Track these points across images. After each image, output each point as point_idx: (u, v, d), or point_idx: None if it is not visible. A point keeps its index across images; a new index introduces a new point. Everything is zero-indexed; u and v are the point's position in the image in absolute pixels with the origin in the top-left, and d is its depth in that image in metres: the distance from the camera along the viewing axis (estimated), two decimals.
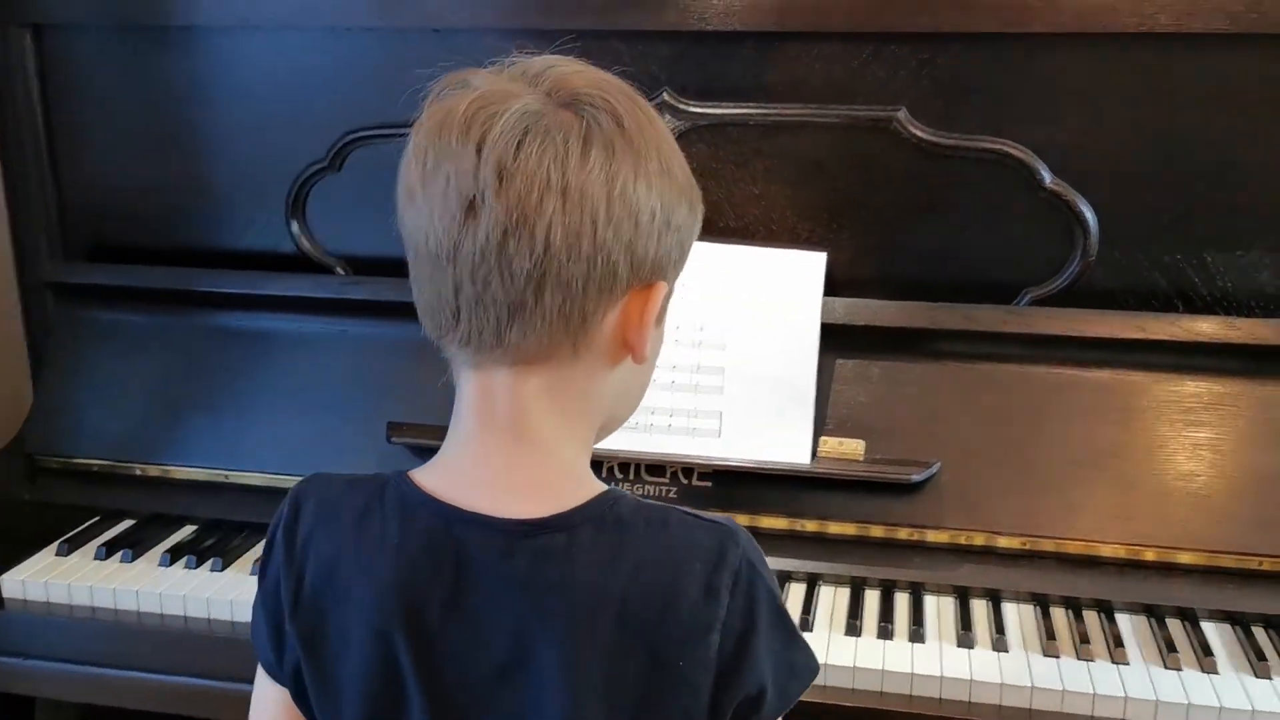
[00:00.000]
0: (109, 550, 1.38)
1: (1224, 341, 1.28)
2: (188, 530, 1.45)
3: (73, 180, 1.53)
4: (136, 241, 1.54)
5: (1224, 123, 1.28)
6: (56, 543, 1.40)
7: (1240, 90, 1.27)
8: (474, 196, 0.75)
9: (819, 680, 1.01)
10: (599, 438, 0.89)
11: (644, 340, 0.82)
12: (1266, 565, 1.24)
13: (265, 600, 0.88)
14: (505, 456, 0.82)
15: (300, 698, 0.88)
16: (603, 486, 0.84)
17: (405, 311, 1.41)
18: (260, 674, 0.91)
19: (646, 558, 0.80)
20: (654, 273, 0.80)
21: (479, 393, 0.82)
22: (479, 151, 0.75)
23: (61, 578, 1.34)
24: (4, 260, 1.59)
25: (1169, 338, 1.29)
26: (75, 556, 1.39)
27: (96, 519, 1.47)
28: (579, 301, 0.77)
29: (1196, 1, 1.22)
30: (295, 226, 1.49)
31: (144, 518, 1.47)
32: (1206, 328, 1.29)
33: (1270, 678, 1.14)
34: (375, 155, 1.45)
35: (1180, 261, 1.33)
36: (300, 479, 0.89)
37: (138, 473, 1.48)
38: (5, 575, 1.35)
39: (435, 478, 0.84)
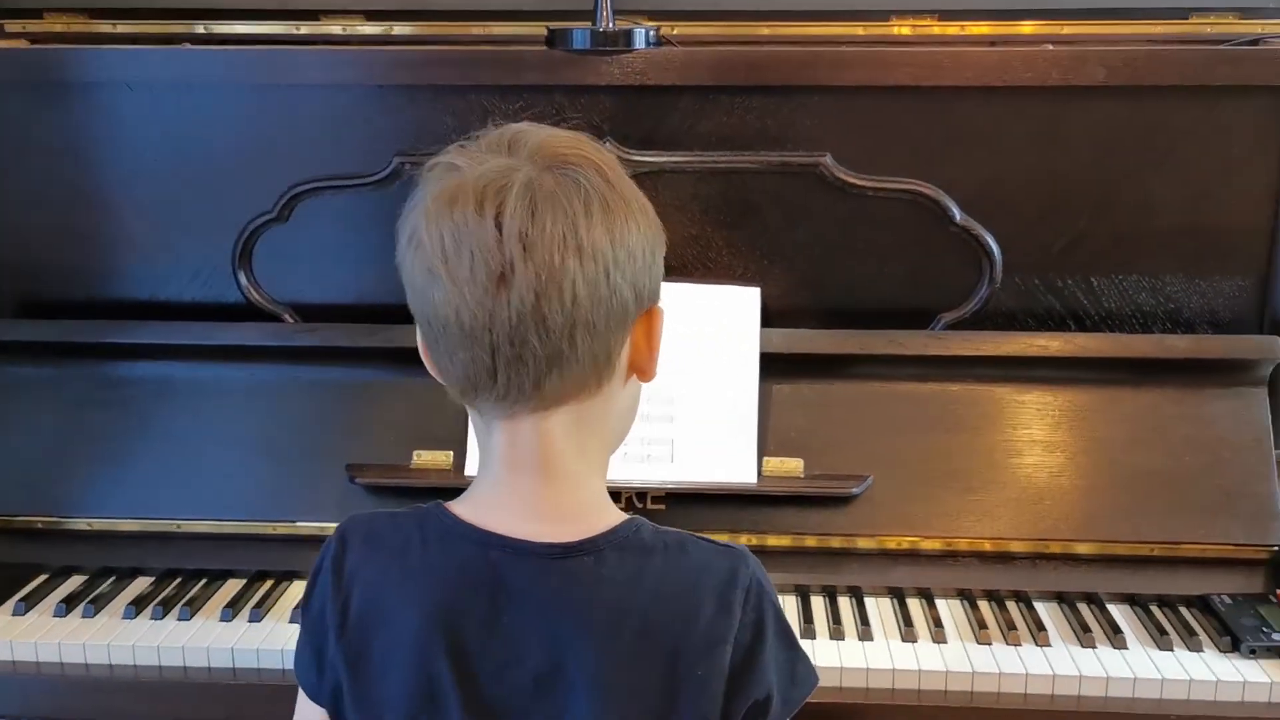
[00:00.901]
0: (69, 606, 1.38)
1: (1111, 356, 1.45)
2: (145, 582, 1.44)
3: (9, 235, 1.52)
4: (76, 297, 1.55)
5: (1105, 163, 1.45)
6: (12, 602, 1.39)
7: (1118, 135, 1.44)
8: (503, 268, 0.83)
9: None
10: None
11: (655, 360, 0.94)
12: (1157, 551, 1.40)
13: (309, 626, 0.95)
14: (534, 492, 0.92)
15: (337, 717, 0.94)
16: (624, 515, 0.94)
17: (356, 357, 1.50)
18: (301, 697, 0.99)
19: (667, 578, 0.90)
20: (650, 299, 0.92)
21: (507, 439, 0.91)
22: (499, 226, 0.84)
23: (25, 636, 1.33)
24: None
25: (1065, 354, 1.45)
26: (34, 615, 1.38)
27: (45, 577, 1.45)
28: (604, 340, 0.88)
29: (1080, 58, 1.39)
30: (243, 277, 1.52)
31: (94, 572, 1.47)
32: (1096, 344, 1.46)
33: (1172, 650, 1.30)
34: (322, 205, 1.50)
35: (1071, 286, 1.50)
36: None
37: (84, 528, 1.48)
38: None
39: (470, 508, 0.93)
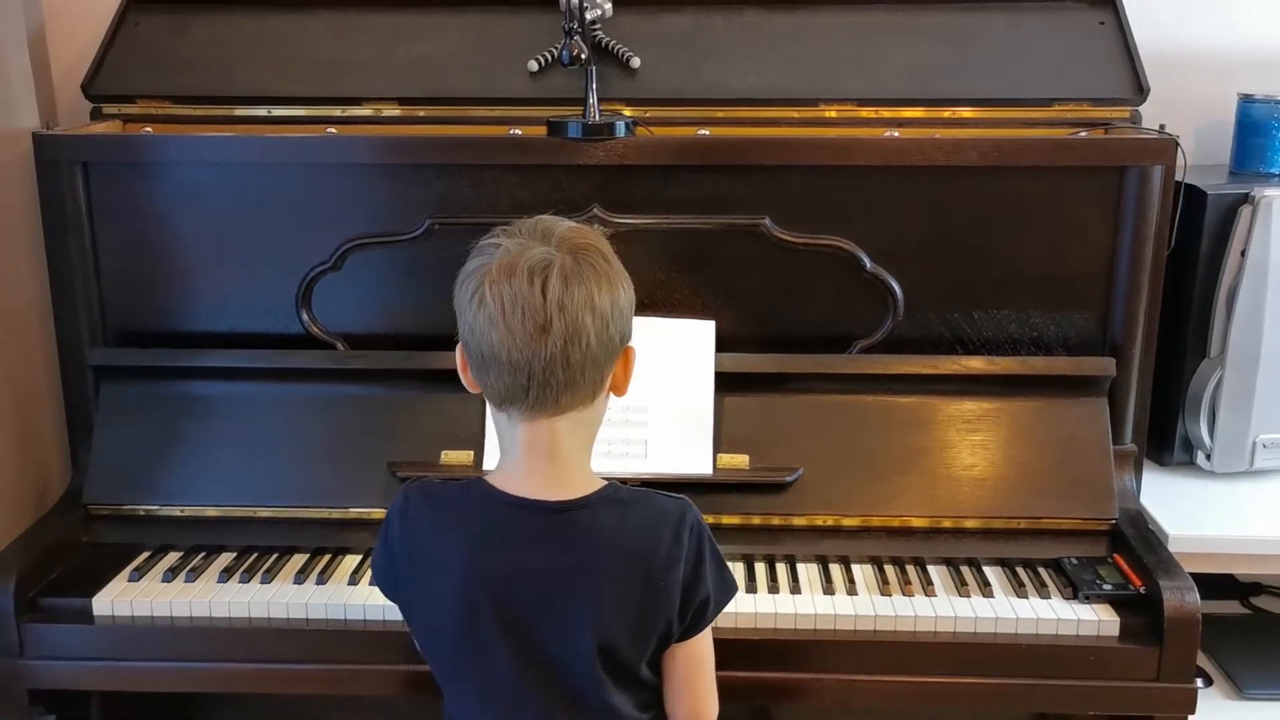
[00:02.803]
0: (173, 574, 1.73)
1: (988, 373, 1.81)
2: (228, 556, 1.78)
3: (116, 281, 1.87)
4: (179, 328, 1.89)
5: (982, 225, 1.80)
6: (126, 571, 1.74)
7: (991, 203, 1.79)
8: (545, 321, 1.22)
9: (735, 622, 1.49)
10: None
11: (628, 382, 1.34)
12: (1024, 525, 1.77)
13: (388, 554, 1.35)
14: (546, 469, 1.31)
15: (407, 616, 1.35)
16: (604, 481, 1.34)
17: (395, 377, 1.89)
18: None
19: (639, 521, 1.31)
20: (626, 340, 1.32)
21: (528, 435, 1.30)
22: (544, 293, 1.23)
23: (143, 597, 1.68)
24: (49, 349, 1.95)
25: (952, 372, 1.80)
26: (145, 581, 1.72)
27: (147, 553, 1.79)
28: (601, 370, 1.28)
29: (959, 145, 1.76)
30: (304, 314, 1.87)
31: (186, 549, 1.80)
32: (976, 364, 1.81)
33: (1027, 598, 1.67)
34: (368, 257, 1.85)
35: (957, 319, 1.84)
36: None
37: (177, 514, 1.82)
38: (94, 599, 1.68)
39: (502, 480, 1.32)
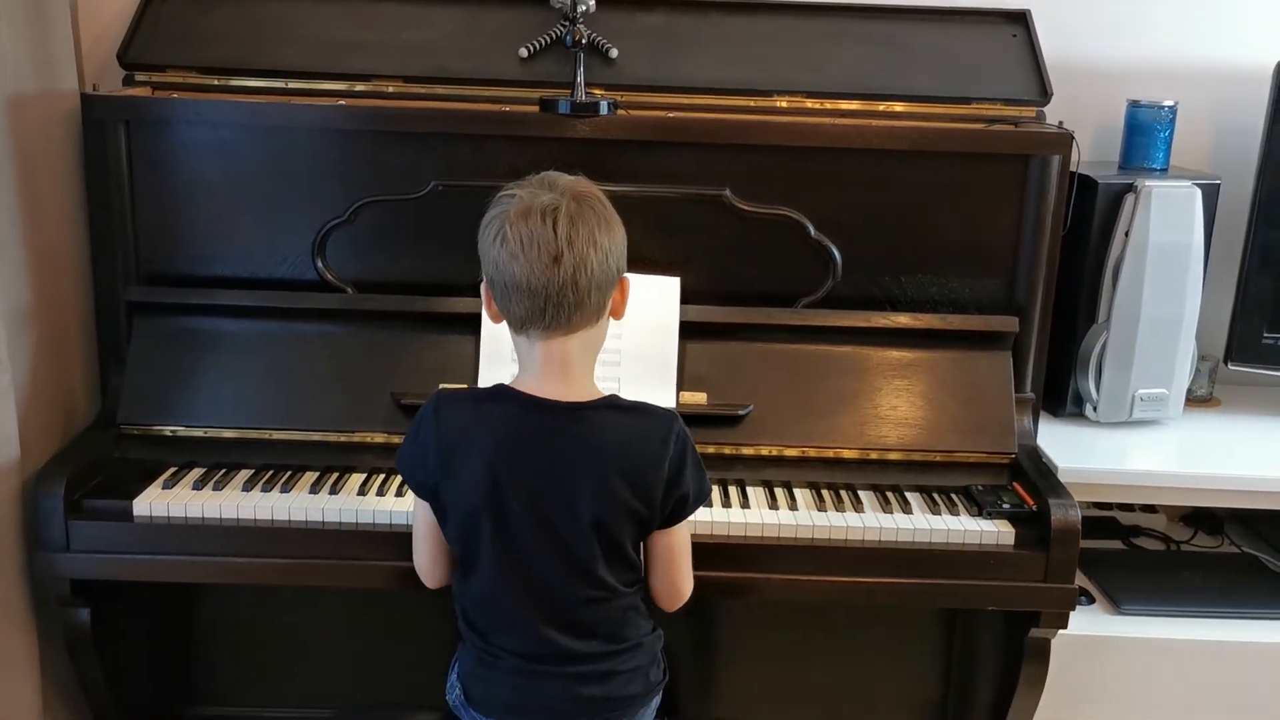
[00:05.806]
0: (202, 484, 1.97)
1: (912, 328, 2.10)
2: (248, 472, 2.01)
3: (150, 227, 2.10)
4: (205, 272, 2.12)
5: (910, 201, 2.10)
6: (160, 480, 1.97)
7: (918, 182, 2.09)
8: (557, 254, 1.50)
9: (694, 529, 1.75)
10: None
11: (624, 307, 1.61)
12: (939, 458, 2.07)
13: (419, 447, 1.59)
14: (560, 377, 1.58)
15: (434, 506, 1.60)
16: (606, 393, 1.60)
17: (399, 318, 2.16)
18: (416, 499, 1.62)
19: (635, 425, 1.58)
20: (622, 272, 1.60)
21: (545, 351, 1.57)
22: (555, 230, 1.50)
23: (178, 501, 1.92)
24: (79, 286, 2.17)
25: (882, 326, 2.09)
26: (177, 489, 1.95)
27: (175, 468, 2.02)
28: (604, 295, 1.56)
29: (893, 132, 2.06)
30: (319, 262, 2.11)
31: (209, 466, 2.02)
32: (902, 320, 2.11)
33: (940, 514, 1.97)
34: (378, 212, 2.10)
35: (887, 282, 2.13)
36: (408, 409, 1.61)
37: (200, 434, 2.05)
38: (135, 501, 1.91)
39: (522, 386, 1.58)
